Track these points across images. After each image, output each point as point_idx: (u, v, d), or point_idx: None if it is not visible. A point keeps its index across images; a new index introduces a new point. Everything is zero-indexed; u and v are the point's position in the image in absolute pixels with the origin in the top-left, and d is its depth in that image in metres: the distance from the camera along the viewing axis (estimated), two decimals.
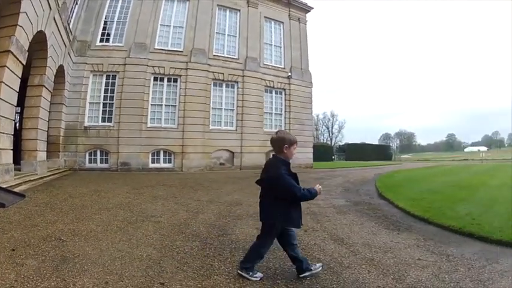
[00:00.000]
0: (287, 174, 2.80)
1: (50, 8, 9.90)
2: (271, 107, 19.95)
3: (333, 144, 71.36)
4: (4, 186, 6.78)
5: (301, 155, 19.70)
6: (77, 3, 14.36)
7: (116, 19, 16.04)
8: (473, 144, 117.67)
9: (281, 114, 20.22)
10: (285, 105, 20.31)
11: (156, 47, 16.31)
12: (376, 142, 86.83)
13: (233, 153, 17.69)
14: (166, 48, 16.63)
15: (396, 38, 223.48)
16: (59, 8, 10.92)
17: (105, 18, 15.83)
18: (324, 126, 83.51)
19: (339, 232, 4.93)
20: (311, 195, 2.87)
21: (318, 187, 2.97)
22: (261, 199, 2.97)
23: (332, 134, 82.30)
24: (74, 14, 14.26)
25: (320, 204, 7.31)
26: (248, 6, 19.21)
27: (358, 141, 55.66)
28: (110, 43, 15.72)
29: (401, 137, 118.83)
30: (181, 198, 7.44)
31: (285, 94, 20.34)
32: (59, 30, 11.47)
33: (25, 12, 7.81)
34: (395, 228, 5.04)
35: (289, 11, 20.95)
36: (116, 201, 6.82)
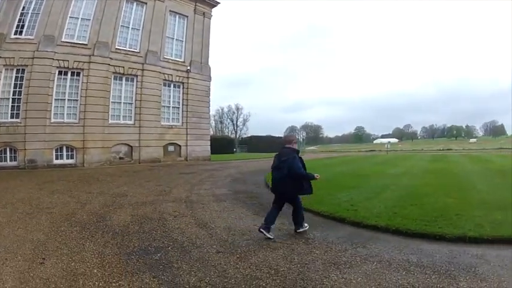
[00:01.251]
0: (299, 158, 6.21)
1: None
2: (169, 101, 28.34)
3: (237, 137, 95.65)
4: None
5: (198, 148, 29.24)
6: None
7: (31, 10, 21.53)
8: (384, 137, 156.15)
9: (179, 107, 28.89)
10: (183, 99, 28.95)
11: (63, 40, 22.59)
12: (281, 135, 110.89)
13: (132, 147, 25.73)
14: (72, 41, 23.00)
15: (308, 31, 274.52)
16: None
17: (22, 9, 21.12)
18: (228, 119, 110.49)
19: (206, 218, 7.73)
20: (308, 176, 6.15)
21: (316, 175, 6.20)
22: (279, 183, 6.26)
23: (237, 127, 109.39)
24: (2, 7, 19.49)
25: (201, 193, 11.25)
26: (155, 0, 26.65)
27: (264, 134, 72.08)
28: (23, 36, 21.18)
29: (307, 129, 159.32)
30: (75, 192, 11.49)
31: (183, 88, 28.94)
32: None
33: None
34: (265, 214, 6.88)
35: (195, 5, 29.31)
36: (19, 197, 10.15)
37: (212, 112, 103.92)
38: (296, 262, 4.82)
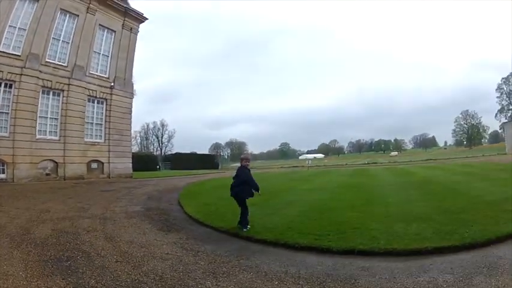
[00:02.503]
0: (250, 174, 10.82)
1: None
2: (92, 117, 33.99)
3: (162, 153, 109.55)
4: None
5: (120, 165, 34.93)
6: None
7: None
8: (309, 152, 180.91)
9: (102, 124, 34.66)
10: (106, 115, 34.80)
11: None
12: (206, 152, 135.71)
13: (57, 163, 30.58)
14: (7, 51, 27.36)
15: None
16: None
17: None
18: (153, 136, 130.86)
19: (115, 233, 9.94)
20: (257, 186, 10.61)
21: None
22: (236, 188, 10.52)
23: (162, 143, 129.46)
24: None
25: (116, 210, 14.01)
26: (87, 12, 32.69)
27: (188, 151, 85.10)
28: None
29: (232, 146, 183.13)
30: (6, 207, 14.31)
31: (107, 104, 34.92)
32: None
33: None
34: (167, 230, 10.40)
35: (124, 20, 35.83)
36: None
37: (137, 128, 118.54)
38: (180, 271, 6.75)
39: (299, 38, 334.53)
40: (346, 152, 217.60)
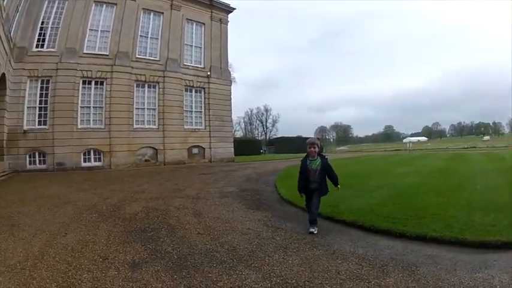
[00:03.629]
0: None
1: None
2: (191, 105, 28.22)
3: (267, 138, 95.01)
4: None
5: (221, 150, 28.98)
6: (18, 10, 20.19)
7: (50, 24, 22.25)
8: (413, 135, 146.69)
9: (201, 111, 28.69)
10: (205, 103, 28.75)
11: (85, 52, 23.14)
12: (312, 135, 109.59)
13: (157, 150, 25.74)
14: (94, 52, 23.51)
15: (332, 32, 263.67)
16: (3, 21, 16.58)
17: (41, 24, 21.94)
18: (258, 121, 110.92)
19: (204, 210, 8.23)
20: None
21: None
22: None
23: (266, 128, 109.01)
24: (16, 21, 20.11)
25: (210, 191, 11.48)
26: (171, 9, 26.97)
27: (294, 135, 70.12)
28: (45, 48, 21.97)
29: (337, 129, 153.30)
30: (99, 190, 12.28)
31: (205, 92, 28.76)
32: (2, 40, 17.02)
33: None
34: (256, 208, 8.34)
35: (211, 12, 29.24)
36: (49, 194, 11.02)
37: (241, 114, 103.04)
38: (254, 244, 5.42)
39: (395, 19, 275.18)
40: (448, 135, 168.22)
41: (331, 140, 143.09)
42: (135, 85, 24.70)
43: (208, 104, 28.42)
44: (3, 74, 18.33)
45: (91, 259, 4.80)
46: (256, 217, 7.38)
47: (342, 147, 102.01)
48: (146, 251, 5.14)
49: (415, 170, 16.84)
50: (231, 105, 30.52)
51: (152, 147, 25.24)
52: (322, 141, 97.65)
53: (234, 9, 30.31)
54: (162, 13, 26.26)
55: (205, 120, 28.28)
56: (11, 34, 19.35)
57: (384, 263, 4.44)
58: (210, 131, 28.28)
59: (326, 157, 6.38)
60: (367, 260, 4.58)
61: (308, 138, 6.82)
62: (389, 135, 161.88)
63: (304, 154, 6.39)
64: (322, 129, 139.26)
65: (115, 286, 3.81)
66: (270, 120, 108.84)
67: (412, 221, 6.26)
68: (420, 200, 8.22)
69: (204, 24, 28.66)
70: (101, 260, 4.80)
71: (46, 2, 21.96)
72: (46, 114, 21.54)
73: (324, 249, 5.07)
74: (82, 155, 22.41)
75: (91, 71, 22.85)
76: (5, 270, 4.31)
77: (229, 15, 30.32)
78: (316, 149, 6.23)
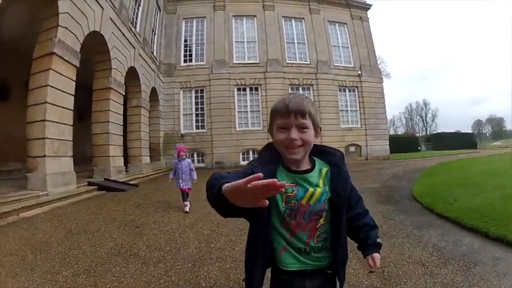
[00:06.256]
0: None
1: (134, 47, 16.81)
2: (346, 104, 26.21)
3: (427, 133, 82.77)
4: (121, 180, 12.91)
5: (377, 147, 26.18)
6: (155, 33, 22.22)
7: (193, 41, 24.32)
8: None
9: (356, 110, 26.36)
10: (359, 102, 26.45)
11: (234, 62, 23.86)
12: (469, 130, 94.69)
13: None
14: (244, 62, 24.08)
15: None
16: (141, 45, 18.25)
17: (185, 42, 24.24)
18: (418, 116, 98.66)
19: None
20: None
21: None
22: None
23: (426, 123, 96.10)
24: (155, 42, 22.12)
25: (356, 187, 13.05)
26: (311, 13, 26.28)
27: (452, 130, 63.32)
28: (193, 63, 23.89)
29: (492, 123, 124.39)
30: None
31: (358, 91, 26.53)
32: (145, 61, 18.90)
33: (115, 58, 14.13)
34: (384, 202, 8.31)
35: (350, 11, 27.63)
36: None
37: (402, 110, 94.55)
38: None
39: None
40: None
41: (487, 134, 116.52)
42: (289, 88, 24.25)
43: (362, 102, 26.06)
44: (154, 88, 20.70)
45: (231, 229, 5.97)
46: (379, 209, 7.50)
47: (496, 143, 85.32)
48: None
49: None
50: (384, 103, 27.41)
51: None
52: (478, 136, 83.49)
53: (371, 5, 28.23)
54: (303, 18, 25.81)
55: (360, 119, 26.00)
56: (154, 53, 21.15)
57: (452, 256, 4.44)
58: (366, 129, 25.95)
59: None
60: (441, 252, 4.63)
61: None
62: None
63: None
64: (478, 123, 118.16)
65: (243, 245, 3.65)
66: (429, 115, 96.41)
67: (505, 222, 5.53)
68: None
69: (345, 24, 27.13)
70: (238, 230, 5.83)
71: (183, 22, 24.23)
72: (203, 119, 23.06)
73: (413, 239, 5.26)
74: (241, 154, 22.92)
75: (244, 79, 23.57)
76: (158, 232, 5.95)
77: (367, 12, 28.32)
78: None
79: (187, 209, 7.68)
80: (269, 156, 1.62)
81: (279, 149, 1.59)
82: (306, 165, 1.60)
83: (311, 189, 1.53)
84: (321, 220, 1.54)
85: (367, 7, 28.20)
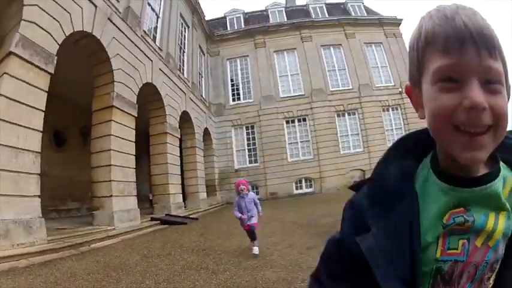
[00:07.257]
0: None
1: (184, 93, 17.99)
2: (390, 124, 26.37)
3: None
4: (181, 215, 13.87)
5: None
6: (202, 76, 23.48)
7: (240, 80, 25.59)
8: None
9: (400, 128, 26.30)
10: (403, 119, 26.47)
11: (281, 96, 24.79)
12: None
13: (364, 171, 23.98)
14: (290, 95, 24.98)
15: None
16: (191, 89, 19.43)
17: (231, 81, 25.54)
18: None
19: None
20: None
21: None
22: None
23: None
24: (203, 85, 23.41)
25: None
26: (347, 38, 26.77)
27: None
28: (242, 101, 25.14)
29: None
30: (304, 209, 14.04)
31: (400, 109, 26.55)
32: (196, 104, 20.07)
33: (168, 104, 15.36)
34: None
35: (383, 29, 27.83)
36: (262, 216, 14.12)
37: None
38: None
39: None
40: None
41: None
42: (335, 115, 24.99)
43: (406, 119, 25.86)
44: (206, 128, 21.92)
45: (283, 245, 7.10)
46: None
47: None
48: (320, 241, 5.70)
49: None
50: None
51: (359, 169, 23.85)
52: None
53: (402, 19, 28.42)
54: (340, 44, 26.37)
55: None
56: (203, 95, 22.40)
57: None
58: None
59: None
60: None
61: None
62: None
63: None
64: None
65: (291, 256, 6.10)
66: None
67: None
68: None
69: (381, 43, 27.43)
70: (288, 246, 7.04)
71: (227, 63, 25.53)
72: (255, 154, 24.02)
73: None
74: (294, 184, 23.50)
75: (291, 111, 24.41)
76: (222, 253, 6.81)
77: (399, 27, 28.51)
78: None
79: (256, 251, 6.31)
80: (402, 149, 0.81)
81: (434, 134, 0.69)
82: (482, 168, 0.69)
83: (492, 216, 0.67)
84: (491, 280, 0.69)
85: (398, 22, 28.32)
